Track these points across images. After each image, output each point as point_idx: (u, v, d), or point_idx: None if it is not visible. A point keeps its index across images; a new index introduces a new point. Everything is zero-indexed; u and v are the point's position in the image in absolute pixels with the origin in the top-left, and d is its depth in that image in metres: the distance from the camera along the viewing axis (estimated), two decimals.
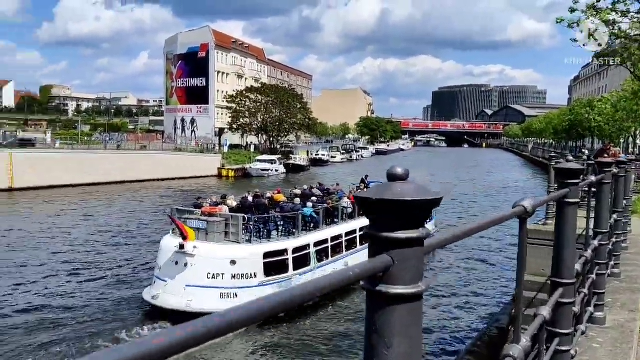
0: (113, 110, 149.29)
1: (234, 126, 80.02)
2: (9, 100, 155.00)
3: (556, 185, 4.22)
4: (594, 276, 4.87)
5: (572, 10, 17.05)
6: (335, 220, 20.94)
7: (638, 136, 62.01)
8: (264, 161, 66.31)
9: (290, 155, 77.27)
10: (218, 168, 64.18)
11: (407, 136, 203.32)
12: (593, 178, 5.20)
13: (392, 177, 1.33)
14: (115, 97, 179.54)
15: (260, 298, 0.89)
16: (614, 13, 16.97)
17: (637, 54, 18.53)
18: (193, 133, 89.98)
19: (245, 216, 17.85)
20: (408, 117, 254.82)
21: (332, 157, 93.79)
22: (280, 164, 68.72)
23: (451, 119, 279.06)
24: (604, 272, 5.44)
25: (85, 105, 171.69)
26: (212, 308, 14.24)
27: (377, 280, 1.27)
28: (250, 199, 20.12)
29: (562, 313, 3.42)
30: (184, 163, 61.38)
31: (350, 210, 21.60)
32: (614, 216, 6.83)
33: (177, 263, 16.75)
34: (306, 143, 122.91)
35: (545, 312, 2.95)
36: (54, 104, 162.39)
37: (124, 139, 74.86)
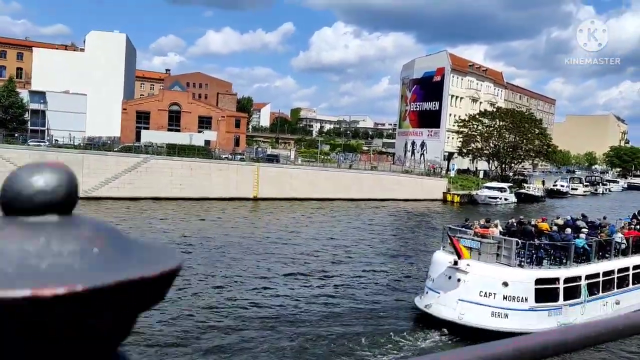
0: (350, 132, 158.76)
1: (464, 150, 78.10)
2: (265, 121, 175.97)
3: None
4: None
5: None
6: (607, 255, 20.12)
7: None
8: (493, 188, 63.02)
9: (523, 184, 72.41)
10: (443, 192, 63.09)
11: None
12: None
13: (9, 204, 0.51)
14: (354, 120, 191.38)
15: None
16: None
17: None
18: (422, 156, 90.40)
19: (519, 241, 18.22)
20: None
21: (572, 188, 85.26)
22: (511, 192, 64.63)
23: None
24: None
25: (327, 127, 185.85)
26: (483, 324, 16.10)
27: None
28: (514, 224, 20.79)
29: None
30: (409, 185, 61.81)
31: (624, 246, 20.70)
32: None
33: (450, 278, 17.77)
34: (543, 172, 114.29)
35: None
36: (301, 125, 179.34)
37: (356, 159, 79.09)
